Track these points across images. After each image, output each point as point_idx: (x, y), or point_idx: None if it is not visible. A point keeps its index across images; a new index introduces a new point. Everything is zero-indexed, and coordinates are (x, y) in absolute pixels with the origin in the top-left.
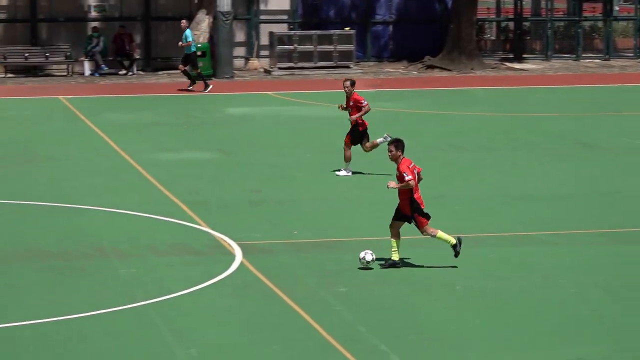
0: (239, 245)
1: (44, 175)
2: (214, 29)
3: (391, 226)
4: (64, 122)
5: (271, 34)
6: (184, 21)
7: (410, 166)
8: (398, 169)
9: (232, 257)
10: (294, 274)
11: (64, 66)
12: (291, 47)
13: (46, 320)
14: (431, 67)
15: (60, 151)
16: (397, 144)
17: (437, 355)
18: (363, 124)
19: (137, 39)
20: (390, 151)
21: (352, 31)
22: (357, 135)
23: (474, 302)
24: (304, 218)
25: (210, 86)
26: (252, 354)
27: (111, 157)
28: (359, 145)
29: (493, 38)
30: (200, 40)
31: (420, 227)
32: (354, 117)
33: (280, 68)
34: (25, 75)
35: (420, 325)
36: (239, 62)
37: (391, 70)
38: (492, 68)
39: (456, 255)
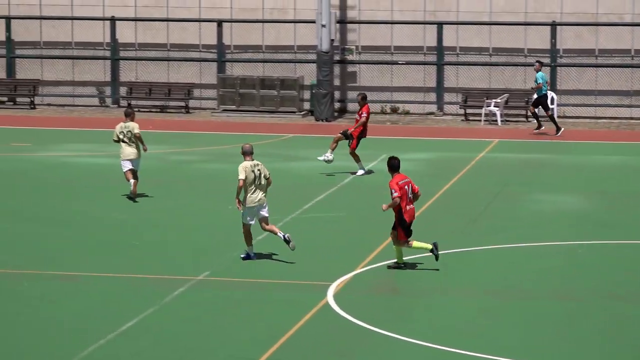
0: None
1: None
2: None
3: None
4: None
5: None
6: (537, 64)
7: (400, 182)
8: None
9: None
10: None
11: None
12: None
13: None
14: None
15: None
16: (387, 163)
17: None
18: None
19: None
20: None
21: None
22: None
23: None
24: None
25: (562, 129)
26: None
27: None
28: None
29: None
30: None
31: (398, 238)
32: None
33: None
34: None
35: None
36: None
37: None
38: None
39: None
